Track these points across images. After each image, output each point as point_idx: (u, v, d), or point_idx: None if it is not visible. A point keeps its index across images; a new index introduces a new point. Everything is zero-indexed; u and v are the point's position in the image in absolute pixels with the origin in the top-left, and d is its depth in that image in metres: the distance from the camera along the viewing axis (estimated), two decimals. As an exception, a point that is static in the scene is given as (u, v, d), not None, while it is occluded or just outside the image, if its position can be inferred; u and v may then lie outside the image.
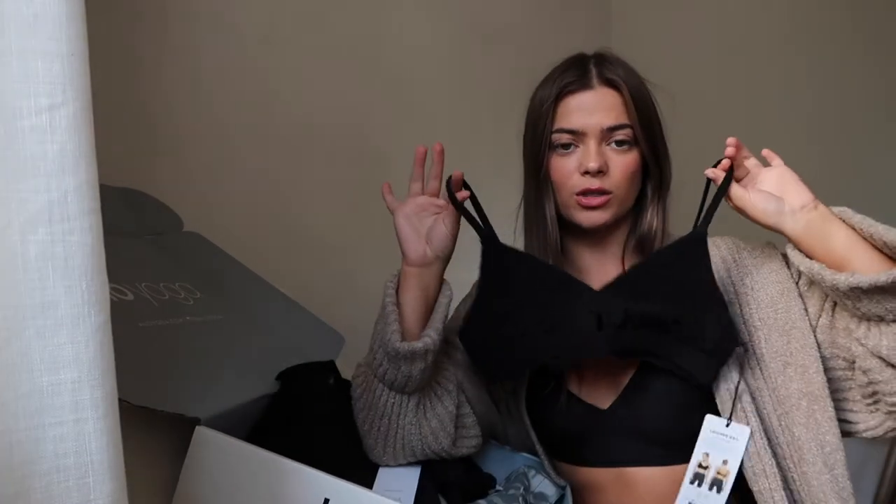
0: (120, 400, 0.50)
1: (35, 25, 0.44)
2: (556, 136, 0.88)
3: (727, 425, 0.82)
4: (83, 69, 0.46)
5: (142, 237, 0.97)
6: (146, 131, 1.06)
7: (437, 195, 0.90)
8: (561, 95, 0.88)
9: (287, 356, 0.93)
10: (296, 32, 1.32)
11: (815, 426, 0.80)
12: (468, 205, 0.89)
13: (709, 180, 0.85)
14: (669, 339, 0.81)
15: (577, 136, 0.87)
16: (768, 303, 0.85)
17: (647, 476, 0.87)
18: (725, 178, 0.84)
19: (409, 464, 0.87)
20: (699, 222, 0.84)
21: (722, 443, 0.83)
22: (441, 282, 0.89)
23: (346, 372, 0.96)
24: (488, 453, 0.96)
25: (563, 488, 0.87)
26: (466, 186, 0.90)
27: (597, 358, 0.86)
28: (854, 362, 0.80)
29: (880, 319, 0.76)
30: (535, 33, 2.09)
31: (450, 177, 0.89)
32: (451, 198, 0.88)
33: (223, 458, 0.75)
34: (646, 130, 0.88)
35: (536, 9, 2.13)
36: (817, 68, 2.35)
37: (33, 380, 0.45)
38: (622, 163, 0.87)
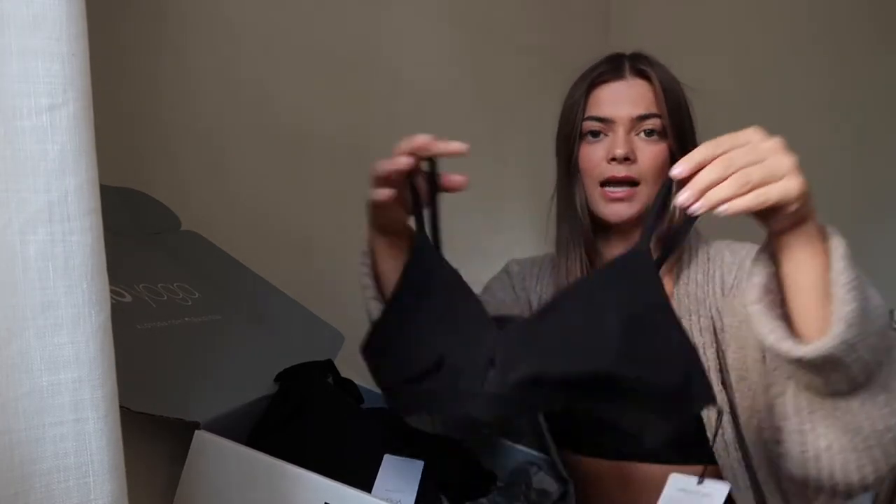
0: (119, 406, 0.50)
1: (35, 25, 0.44)
2: (586, 124, 0.89)
3: (699, 482, 0.64)
4: (83, 69, 0.46)
5: (139, 237, 0.97)
6: (145, 131, 1.06)
7: None
8: (593, 85, 0.89)
9: (287, 356, 0.92)
10: (294, 33, 1.32)
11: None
12: None
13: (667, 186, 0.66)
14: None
15: (607, 124, 0.88)
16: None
17: (651, 474, 0.85)
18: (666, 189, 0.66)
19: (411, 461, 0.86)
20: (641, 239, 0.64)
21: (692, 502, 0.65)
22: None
23: (345, 371, 0.96)
24: (486, 446, 0.95)
25: (566, 483, 0.86)
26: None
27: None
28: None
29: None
30: (536, 35, 2.09)
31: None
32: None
33: (223, 462, 0.74)
34: (675, 123, 0.88)
35: (537, 10, 2.13)
36: (815, 65, 2.36)
37: (33, 380, 0.45)
38: (650, 152, 0.87)
